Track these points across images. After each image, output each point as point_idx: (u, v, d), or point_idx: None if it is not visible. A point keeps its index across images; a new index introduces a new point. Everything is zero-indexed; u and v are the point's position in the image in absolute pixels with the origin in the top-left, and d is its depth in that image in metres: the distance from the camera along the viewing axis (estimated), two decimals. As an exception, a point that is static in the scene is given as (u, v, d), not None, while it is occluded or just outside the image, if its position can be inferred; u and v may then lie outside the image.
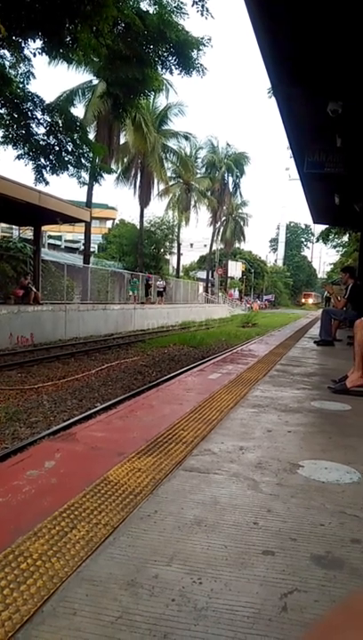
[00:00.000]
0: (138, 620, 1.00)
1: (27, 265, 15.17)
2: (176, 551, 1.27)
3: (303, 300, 75.51)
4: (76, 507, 1.49)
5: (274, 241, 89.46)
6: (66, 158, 12.55)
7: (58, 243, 36.90)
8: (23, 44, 10.65)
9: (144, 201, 29.07)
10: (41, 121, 12.14)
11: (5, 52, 11.11)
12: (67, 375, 8.77)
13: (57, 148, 12.32)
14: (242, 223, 49.76)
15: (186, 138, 32.04)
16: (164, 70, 11.84)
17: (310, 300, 74.46)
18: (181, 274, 39.70)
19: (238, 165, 42.58)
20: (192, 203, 37.12)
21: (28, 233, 18.83)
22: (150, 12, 10.94)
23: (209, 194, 38.86)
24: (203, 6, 10.11)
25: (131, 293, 20.48)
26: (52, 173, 12.59)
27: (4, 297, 13.38)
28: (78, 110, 21.17)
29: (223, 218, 46.49)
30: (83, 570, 1.16)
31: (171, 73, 11.67)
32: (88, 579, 1.13)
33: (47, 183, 12.71)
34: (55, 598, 1.06)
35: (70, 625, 0.98)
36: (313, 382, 4.06)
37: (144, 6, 11.05)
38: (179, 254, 37.22)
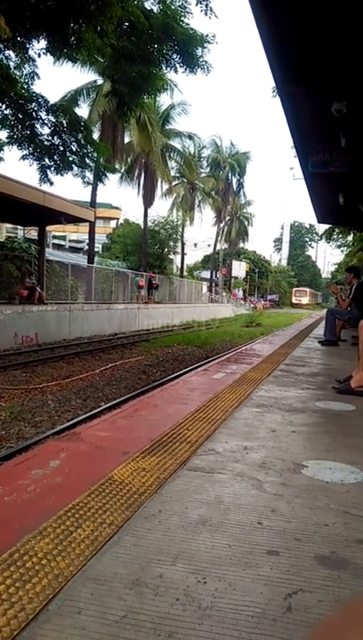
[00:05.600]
0: (143, 619, 1.00)
1: (31, 265, 15.21)
2: (181, 551, 1.27)
3: (295, 300, 62.49)
4: (80, 506, 1.49)
5: (278, 241, 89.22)
6: (70, 158, 12.58)
7: (62, 243, 36.96)
8: (28, 45, 10.70)
9: (148, 201, 29.02)
10: (45, 121, 12.17)
11: (10, 52, 11.16)
12: (71, 375, 8.78)
13: (61, 149, 12.34)
14: (246, 223, 49.60)
15: (190, 137, 31.98)
16: (168, 69, 11.83)
17: (305, 300, 62.48)
18: (186, 273, 39.65)
19: (241, 165, 42.48)
20: (196, 202, 37.06)
21: (33, 233, 18.86)
22: (154, 10, 10.94)
23: (213, 193, 38.78)
24: (207, 5, 10.09)
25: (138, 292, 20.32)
26: (57, 173, 12.64)
27: (8, 297, 13.42)
28: (83, 110, 21.18)
29: (227, 217, 46.38)
30: (88, 569, 1.17)
31: (175, 71, 11.65)
32: (93, 578, 1.14)
33: (52, 183, 12.77)
34: (60, 597, 1.06)
35: (75, 624, 0.98)
36: (317, 382, 4.05)
37: (148, 5, 11.07)
38: (183, 254, 37.16)
